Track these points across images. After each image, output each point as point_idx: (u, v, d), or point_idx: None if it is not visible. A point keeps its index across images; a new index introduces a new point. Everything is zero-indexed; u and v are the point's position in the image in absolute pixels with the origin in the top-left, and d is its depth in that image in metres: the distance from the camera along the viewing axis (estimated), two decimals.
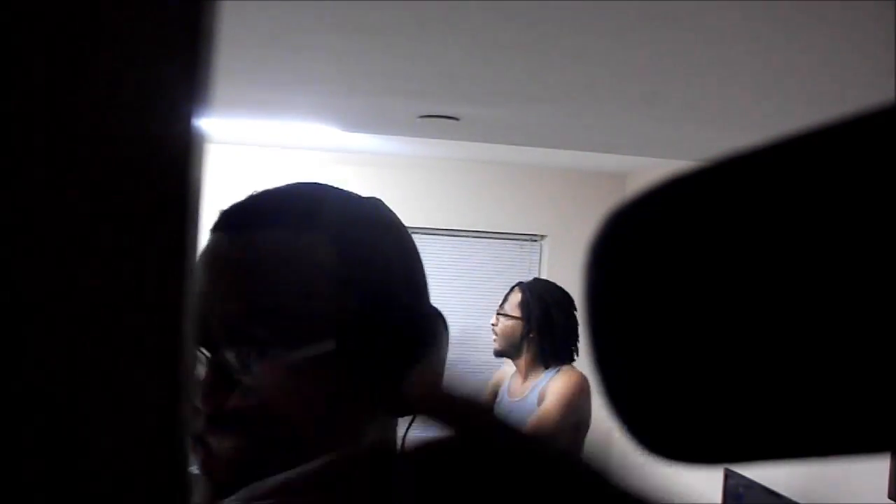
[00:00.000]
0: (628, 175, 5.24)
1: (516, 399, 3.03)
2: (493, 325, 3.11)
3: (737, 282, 0.22)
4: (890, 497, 2.91)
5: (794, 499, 3.38)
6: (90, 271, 0.21)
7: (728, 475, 3.77)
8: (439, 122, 3.24)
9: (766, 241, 0.22)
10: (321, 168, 4.96)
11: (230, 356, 0.65)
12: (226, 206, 0.74)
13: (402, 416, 0.72)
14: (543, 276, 5.39)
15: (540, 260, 5.25)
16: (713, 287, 0.23)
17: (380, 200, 0.77)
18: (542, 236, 5.23)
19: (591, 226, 0.26)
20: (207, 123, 0.22)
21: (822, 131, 0.22)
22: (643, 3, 1.67)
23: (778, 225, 0.22)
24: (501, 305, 3.13)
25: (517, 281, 3.21)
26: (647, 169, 4.92)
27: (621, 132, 3.33)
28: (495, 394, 3.10)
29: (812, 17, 1.68)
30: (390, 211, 0.77)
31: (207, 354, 0.66)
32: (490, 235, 5.11)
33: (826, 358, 0.21)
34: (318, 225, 0.70)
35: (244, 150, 4.84)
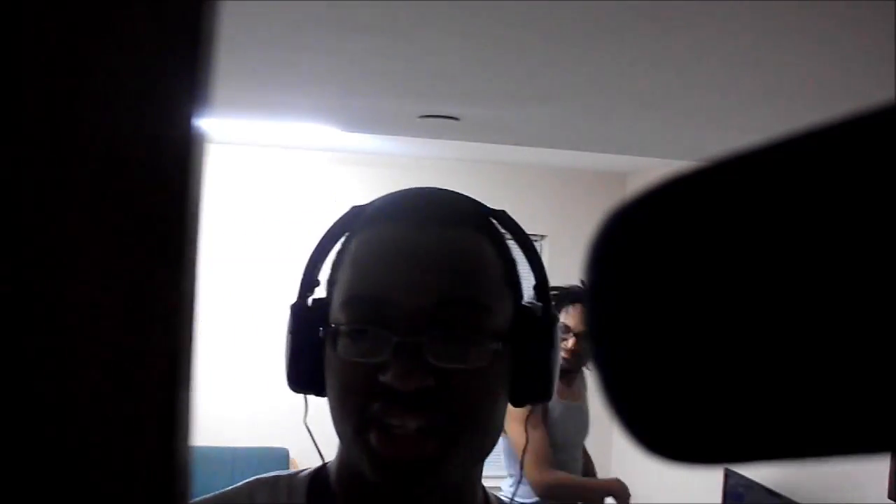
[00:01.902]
0: (628, 175, 5.25)
1: (574, 402, 2.99)
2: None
3: (737, 282, 0.22)
4: (890, 497, 2.92)
5: (794, 499, 3.38)
6: (89, 271, 0.21)
7: (728, 475, 3.77)
8: (439, 122, 3.24)
9: (765, 241, 0.22)
10: (320, 168, 4.96)
11: (425, 339, 0.68)
12: (384, 201, 0.78)
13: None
14: None
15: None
16: (713, 287, 0.23)
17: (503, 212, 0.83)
18: (542, 236, 5.23)
19: (591, 226, 0.26)
20: (207, 123, 0.22)
21: (822, 131, 0.22)
22: (643, 4, 1.67)
23: (777, 225, 0.22)
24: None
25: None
26: (647, 169, 4.93)
27: (621, 132, 3.33)
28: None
29: (812, 17, 1.68)
30: (513, 221, 0.83)
31: (394, 337, 0.68)
32: None
33: (826, 358, 0.21)
34: (475, 224, 0.77)
35: (244, 150, 4.84)
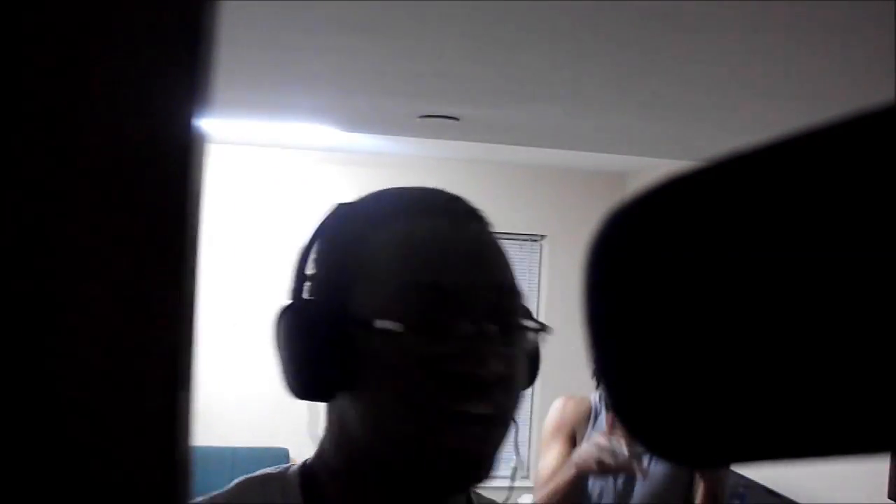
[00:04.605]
0: (628, 175, 5.25)
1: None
2: None
3: (736, 282, 0.22)
4: (890, 497, 2.91)
5: (794, 499, 3.38)
6: (90, 271, 0.21)
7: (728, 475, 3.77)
8: (439, 122, 3.24)
9: (765, 241, 0.22)
10: (320, 168, 4.96)
11: (496, 328, 0.70)
12: (429, 196, 0.79)
13: None
14: (544, 276, 5.41)
15: (540, 260, 5.25)
16: (712, 287, 0.23)
17: None
18: (542, 236, 5.23)
19: (591, 226, 0.26)
20: (207, 123, 0.22)
21: (822, 131, 0.22)
22: (643, 4, 1.67)
23: (777, 225, 0.22)
24: None
25: None
26: (647, 169, 4.92)
27: (621, 132, 3.33)
28: (572, 436, 2.24)
29: (812, 17, 1.68)
30: None
31: (473, 327, 0.69)
32: None
33: (826, 358, 0.21)
34: (487, 223, 0.80)
35: (244, 150, 4.84)
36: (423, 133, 3.69)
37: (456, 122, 3.24)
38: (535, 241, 5.24)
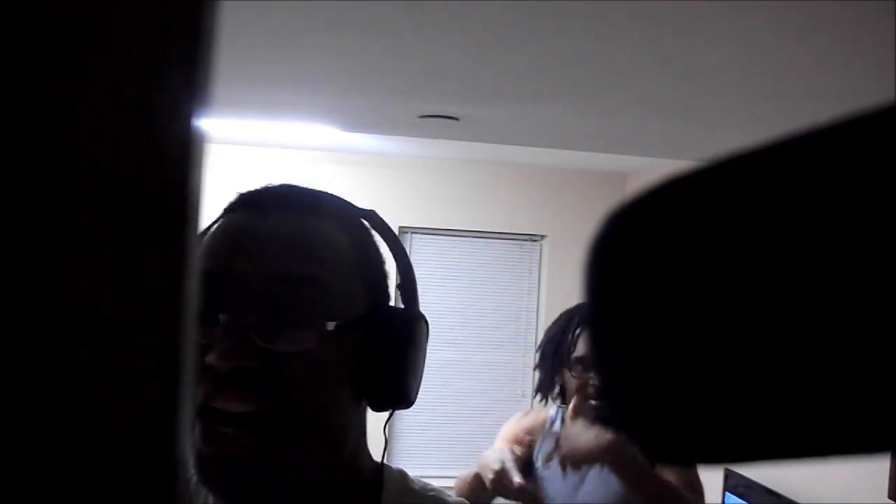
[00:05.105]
0: (628, 175, 5.24)
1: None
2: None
3: (736, 281, 0.22)
4: (890, 497, 2.91)
5: (794, 499, 3.38)
6: (90, 271, 0.21)
7: (728, 475, 3.77)
8: (439, 122, 3.24)
9: (765, 242, 0.22)
10: (320, 168, 4.96)
11: (254, 318, 0.66)
12: (237, 193, 0.77)
13: (382, 411, 0.75)
14: (544, 276, 5.42)
15: (540, 260, 5.25)
16: (712, 287, 0.23)
17: (374, 211, 0.81)
18: (542, 236, 5.23)
19: (591, 226, 0.26)
20: (207, 123, 0.22)
21: (822, 131, 0.22)
22: (643, 4, 1.67)
23: (777, 225, 0.22)
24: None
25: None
26: (647, 169, 4.92)
27: (621, 132, 3.33)
28: (526, 443, 2.25)
29: (812, 17, 1.68)
30: (383, 220, 0.80)
31: (225, 317, 0.66)
32: (490, 235, 5.11)
33: (826, 358, 0.21)
34: (330, 214, 0.75)
35: (244, 150, 4.84)
36: (423, 133, 3.69)
37: (456, 122, 3.24)
38: (535, 241, 5.24)
